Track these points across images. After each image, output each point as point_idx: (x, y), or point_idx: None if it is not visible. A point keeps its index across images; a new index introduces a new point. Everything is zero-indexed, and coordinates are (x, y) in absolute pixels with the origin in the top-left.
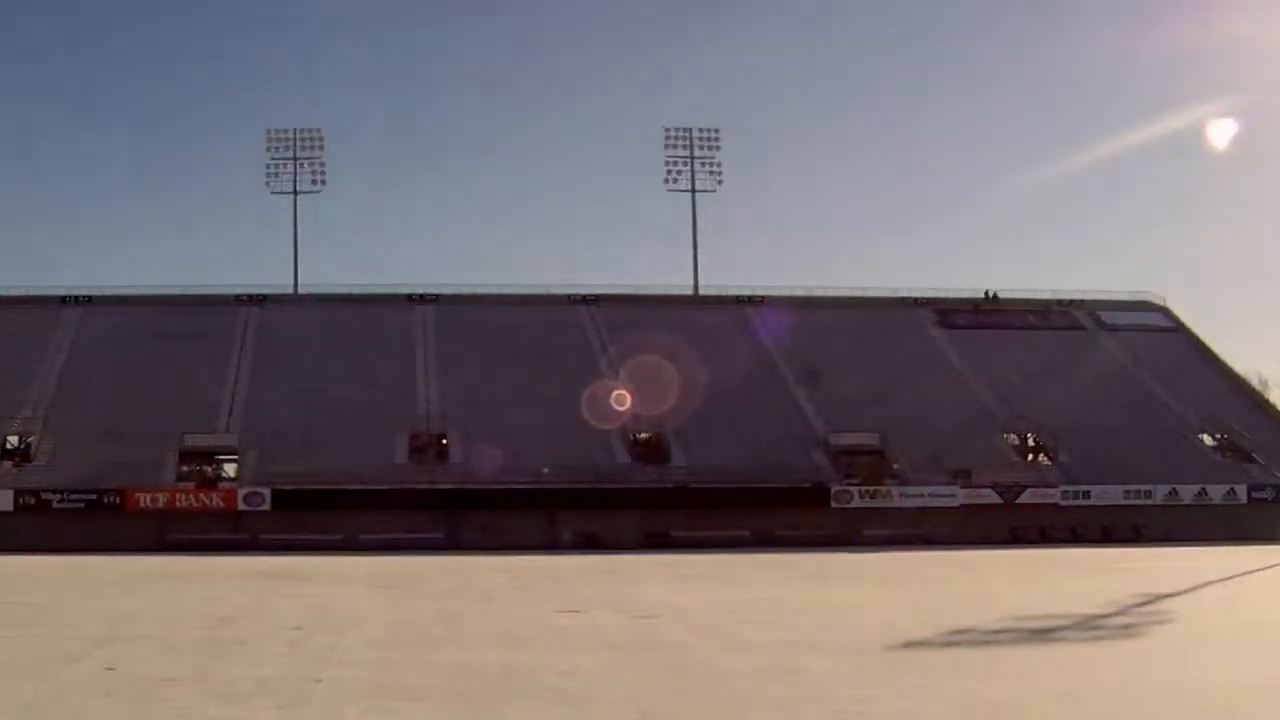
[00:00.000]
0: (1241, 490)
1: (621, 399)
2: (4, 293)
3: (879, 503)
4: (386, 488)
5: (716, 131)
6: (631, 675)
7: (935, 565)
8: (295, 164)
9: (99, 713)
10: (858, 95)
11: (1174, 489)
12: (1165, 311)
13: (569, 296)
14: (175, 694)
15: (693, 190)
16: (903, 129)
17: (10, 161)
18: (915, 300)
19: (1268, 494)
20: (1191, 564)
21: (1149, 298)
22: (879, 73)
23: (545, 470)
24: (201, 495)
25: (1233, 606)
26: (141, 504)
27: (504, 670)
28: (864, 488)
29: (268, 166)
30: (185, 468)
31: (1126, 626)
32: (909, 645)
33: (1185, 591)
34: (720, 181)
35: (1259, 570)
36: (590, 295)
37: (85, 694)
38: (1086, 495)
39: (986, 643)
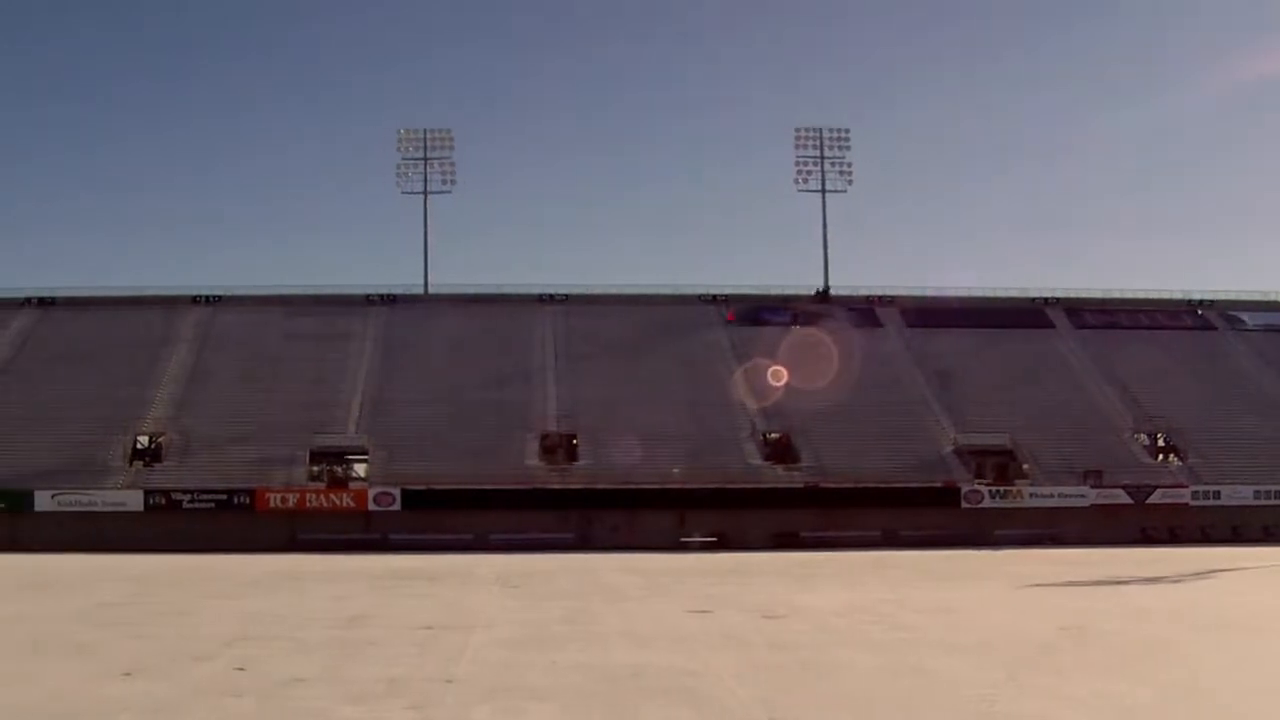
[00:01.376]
0: None
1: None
2: (134, 292)
3: (1009, 503)
4: (517, 488)
5: (847, 131)
6: (760, 675)
7: (1066, 565)
8: (426, 164)
9: (229, 712)
10: (987, 94)
11: None
12: None
13: (699, 296)
14: (305, 694)
15: (823, 190)
16: (1030, 128)
17: (140, 161)
18: (1044, 300)
19: None
20: None
21: None
22: (1009, 73)
23: (675, 470)
24: (331, 495)
25: None
26: (272, 504)
27: (633, 670)
28: (994, 488)
29: (398, 167)
30: (315, 468)
31: (1264, 625)
32: (1038, 645)
33: None
34: (850, 182)
35: None
36: (720, 295)
37: (215, 694)
38: (1216, 496)
39: (1117, 642)
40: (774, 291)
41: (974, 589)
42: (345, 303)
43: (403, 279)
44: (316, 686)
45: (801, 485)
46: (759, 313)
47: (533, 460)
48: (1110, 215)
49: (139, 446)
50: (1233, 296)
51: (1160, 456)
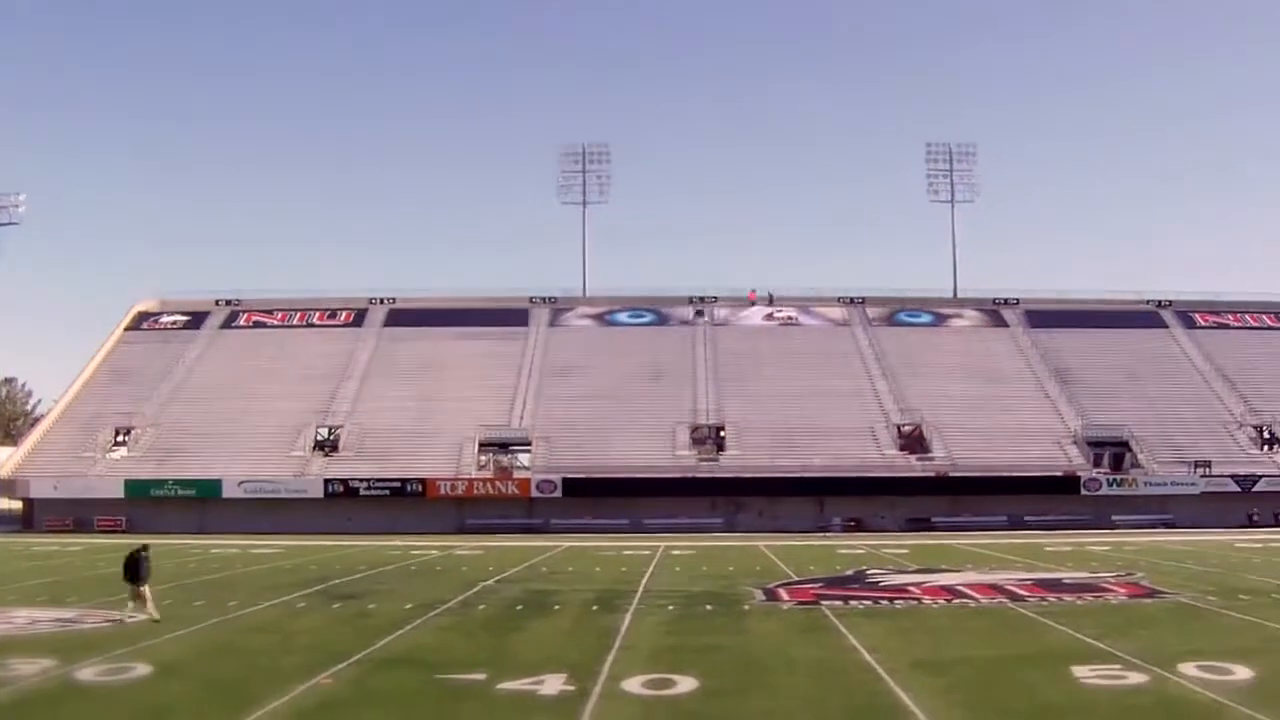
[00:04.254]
0: None
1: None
2: (315, 294)
3: (1126, 490)
4: (669, 476)
5: (974, 146)
6: (886, 640)
7: (1185, 548)
8: (584, 177)
9: (395, 685)
10: (1103, 111)
11: None
12: None
13: (837, 298)
14: (468, 668)
15: (952, 201)
16: (1141, 147)
17: (332, 176)
18: (1158, 302)
19: None
20: None
21: None
22: (1129, 93)
23: (816, 460)
24: (498, 483)
25: None
26: (442, 491)
27: (779, 646)
28: (1112, 476)
29: (559, 180)
30: (483, 457)
31: None
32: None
33: None
34: (977, 193)
35: None
36: (857, 297)
37: (387, 670)
38: None
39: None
40: (906, 294)
41: (1073, 571)
42: (510, 304)
43: (563, 283)
44: (477, 657)
45: (933, 474)
46: (895, 314)
47: (684, 451)
48: (1221, 220)
49: (319, 439)
50: None
51: (1266, 448)
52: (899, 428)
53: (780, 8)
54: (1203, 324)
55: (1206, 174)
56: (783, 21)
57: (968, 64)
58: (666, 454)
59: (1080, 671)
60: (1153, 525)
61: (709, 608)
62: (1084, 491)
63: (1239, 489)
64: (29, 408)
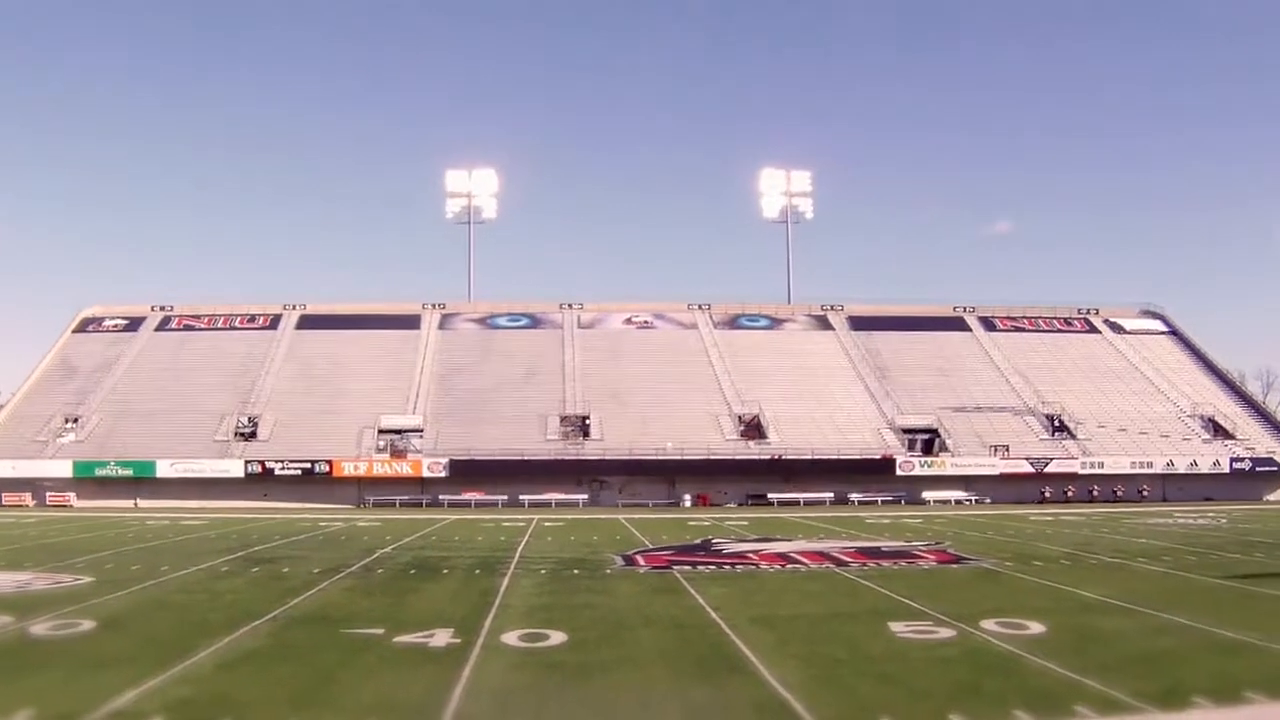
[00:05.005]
0: (1225, 461)
1: None
2: (237, 301)
3: (935, 470)
4: (542, 458)
5: (808, 173)
6: (725, 598)
7: (987, 518)
8: (470, 198)
9: (305, 639)
10: (925, 146)
11: (1170, 460)
12: (1165, 318)
13: (687, 305)
14: (366, 624)
15: (788, 221)
16: (952, 173)
17: (237, 192)
18: (964, 309)
19: (1245, 465)
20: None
21: (1152, 308)
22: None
23: (668, 445)
24: (394, 464)
25: None
26: (346, 471)
27: (637, 605)
28: (923, 459)
29: (448, 200)
30: (381, 442)
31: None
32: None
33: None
34: (809, 214)
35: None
36: (704, 304)
37: (299, 626)
38: (1101, 465)
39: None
40: (747, 300)
41: (890, 540)
42: (406, 310)
43: (451, 291)
44: (376, 614)
45: (769, 457)
46: (737, 318)
47: (554, 436)
48: (1017, 238)
49: (240, 426)
50: (1115, 305)
51: (1055, 434)
52: (739, 417)
53: (649, 40)
54: (1001, 327)
55: (1010, 197)
56: (650, 51)
57: (809, 96)
58: (539, 439)
59: (896, 627)
60: (959, 501)
61: (576, 572)
62: (899, 472)
63: (1033, 470)
64: None
